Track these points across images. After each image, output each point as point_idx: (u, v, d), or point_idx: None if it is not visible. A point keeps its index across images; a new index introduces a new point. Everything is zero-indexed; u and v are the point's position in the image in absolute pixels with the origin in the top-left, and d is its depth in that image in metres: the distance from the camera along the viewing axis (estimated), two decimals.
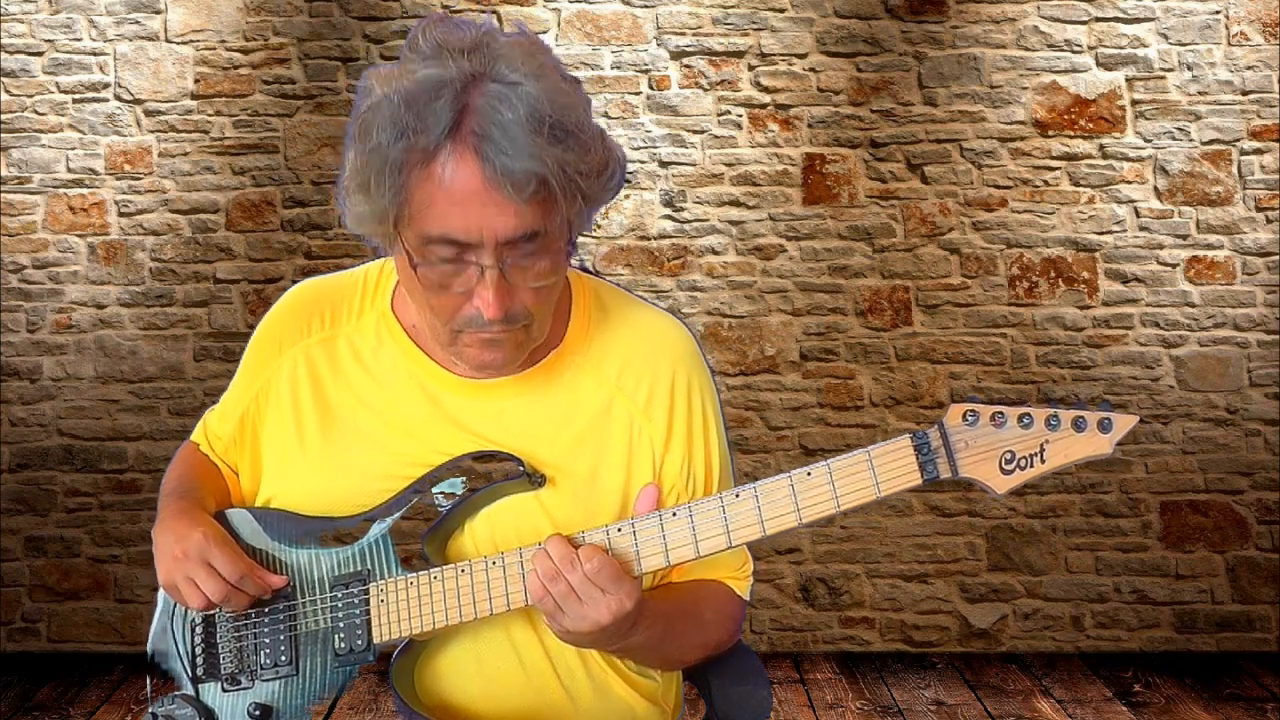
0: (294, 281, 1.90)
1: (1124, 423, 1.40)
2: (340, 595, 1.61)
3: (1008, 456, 1.42)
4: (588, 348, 1.65)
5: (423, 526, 1.62)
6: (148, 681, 1.72)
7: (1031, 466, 1.41)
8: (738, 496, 1.49)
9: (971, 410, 1.43)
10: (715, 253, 4.56)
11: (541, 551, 1.50)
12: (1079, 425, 1.40)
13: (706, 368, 1.70)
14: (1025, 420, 1.41)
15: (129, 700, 4.12)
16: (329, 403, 1.67)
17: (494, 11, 4.47)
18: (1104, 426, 1.40)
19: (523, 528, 1.59)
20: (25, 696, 4.18)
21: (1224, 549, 4.58)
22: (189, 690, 1.65)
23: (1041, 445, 1.41)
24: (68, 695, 4.18)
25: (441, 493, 1.60)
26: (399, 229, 1.48)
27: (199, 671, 1.65)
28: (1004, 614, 4.60)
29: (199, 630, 1.66)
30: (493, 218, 1.43)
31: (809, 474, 1.47)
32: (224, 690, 1.64)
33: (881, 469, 1.45)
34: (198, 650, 1.66)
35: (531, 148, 1.40)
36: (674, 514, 1.51)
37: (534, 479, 1.59)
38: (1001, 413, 1.42)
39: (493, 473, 1.61)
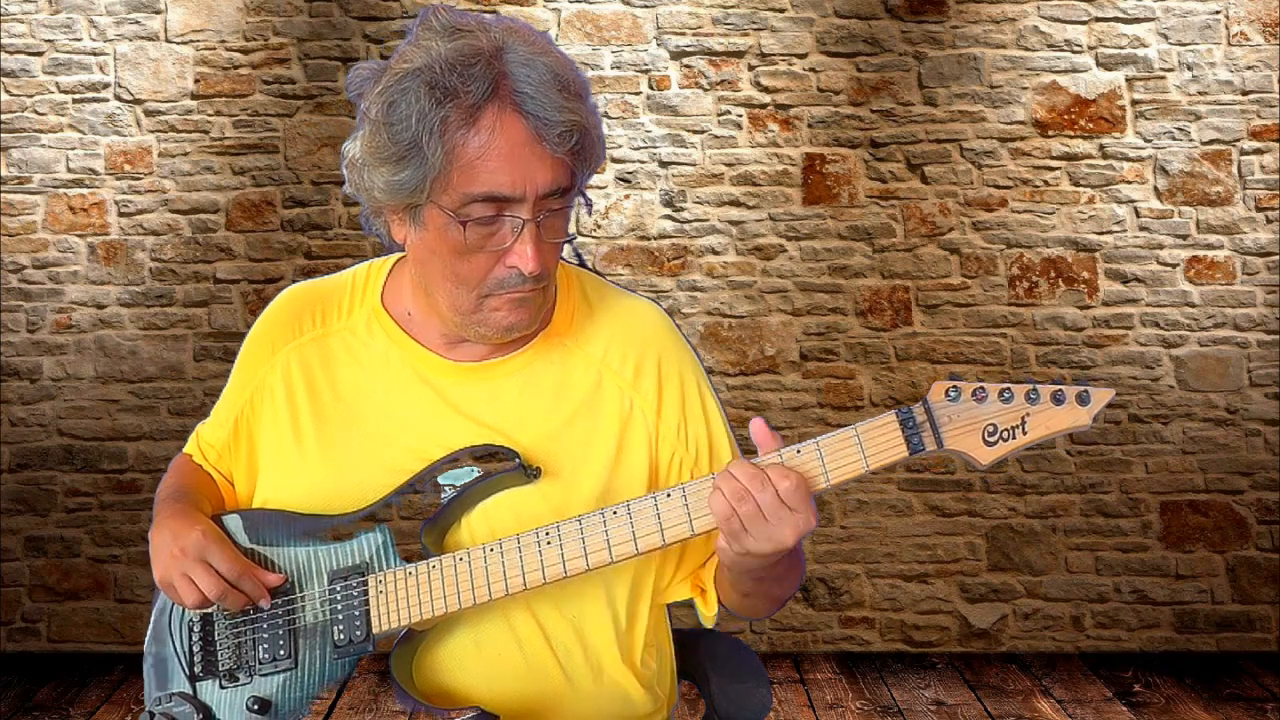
0: (293, 281, 1.92)
1: (1101, 396, 1.44)
2: (339, 588, 1.62)
3: (990, 429, 1.46)
4: (574, 331, 1.69)
5: (422, 525, 1.62)
6: (145, 681, 1.72)
7: (1014, 438, 1.46)
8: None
9: (954, 386, 1.48)
10: (715, 253, 4.56)
11: (726, 473, 1.50)
12: (1058, 399, 1.45)
13: (686, 343, 1.74)
14: (1006, 395, 1.46)
15: (129, 700, 4.12)
16: (324, 400, 1.69)
17: (493, 11, 4.47)
18: (1082, 399, 1.44)
19: (521, 516, 1.60)
20: (25, 696, 4.18)
21: (1224, 549, 4.58)
22: (186, 688, 1.65)
23: (1023, 418, 1.46)
24: (68, 695, 4.18)
25: (450, 484, 1.61)
26: (434, 195, 1.53)
27: (196, 669, 1.66)
28: (1004, 614, 4.60)
29: (196, 628, 1.66)
30: (535, 171, 1.52)
31: (799, 451, 1.51)
32: (221, 687, 1.64)
33: (869, 444, 1.49)
34: (195, 648, 1.66)
35: (564, 103, 1.53)
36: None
37: (529, 472, 1.60)
38: (983, 388, 1.47)
39: (490, 467, 1.62)
